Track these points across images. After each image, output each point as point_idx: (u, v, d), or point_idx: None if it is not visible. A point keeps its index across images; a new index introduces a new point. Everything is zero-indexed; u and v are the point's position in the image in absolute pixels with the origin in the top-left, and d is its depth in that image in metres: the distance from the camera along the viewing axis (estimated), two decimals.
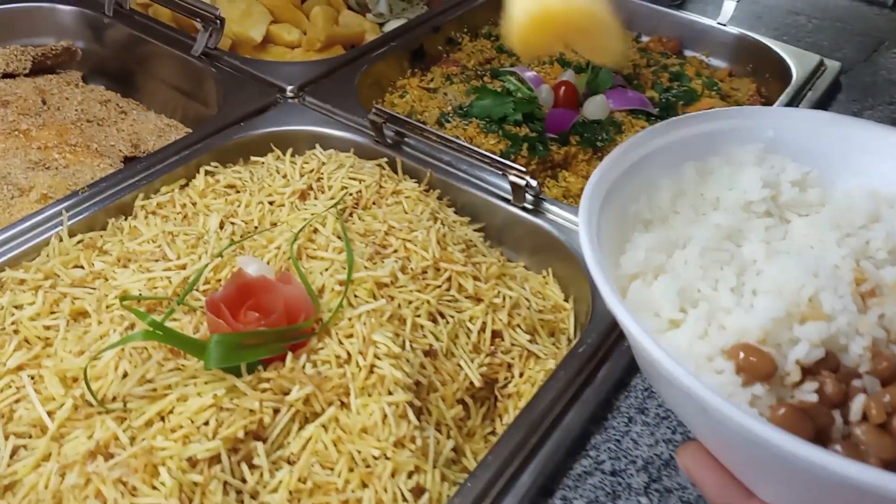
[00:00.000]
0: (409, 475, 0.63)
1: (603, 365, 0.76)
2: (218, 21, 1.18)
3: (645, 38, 1.47)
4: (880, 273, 0.52)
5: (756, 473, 0.46)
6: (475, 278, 0.82)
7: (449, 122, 1.19)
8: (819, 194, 0.58)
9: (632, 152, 0.59)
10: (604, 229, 0.54)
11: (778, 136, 0.62)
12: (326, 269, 0.78)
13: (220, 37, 1.20)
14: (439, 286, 0.80)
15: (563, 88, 1.19)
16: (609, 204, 0.55)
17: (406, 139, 1.03)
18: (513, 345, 0.79)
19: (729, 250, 0.54)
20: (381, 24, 1.47)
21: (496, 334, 0.80)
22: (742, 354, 0.46)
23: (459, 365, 0.76)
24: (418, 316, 0.77)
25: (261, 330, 0.67)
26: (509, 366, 0.78)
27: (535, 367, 0.78)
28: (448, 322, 0.78)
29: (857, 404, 0.45)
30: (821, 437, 0.45)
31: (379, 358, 0.70)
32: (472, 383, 0.75)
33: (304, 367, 0.68)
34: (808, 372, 0.47)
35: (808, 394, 0.46)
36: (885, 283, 0.52)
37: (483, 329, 0.79)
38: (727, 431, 0.42)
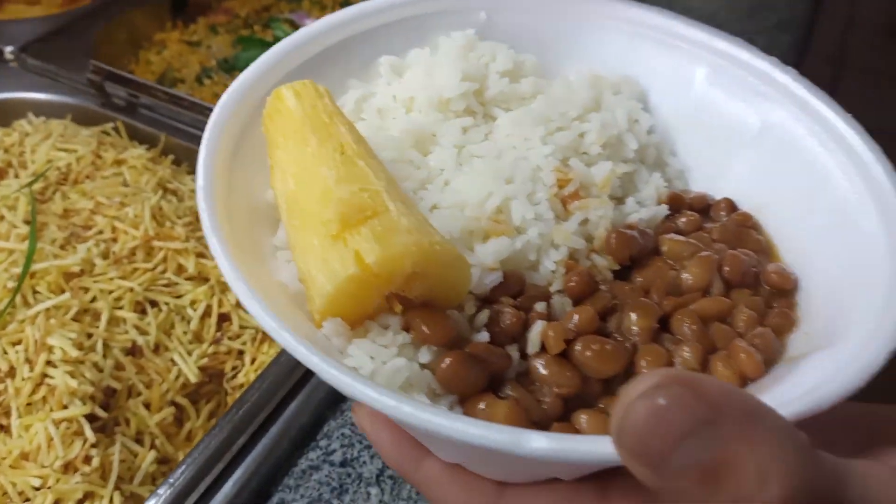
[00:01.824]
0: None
1: None
2: None
3: None
4: (591, 171, 0.45)
5: (415, 435, 0.38)
6: (200, 255, 0.71)
7: (211, 77, 1.06)
8: (533, 84, 0.49)
9: (297, 51, 0.47)
10: (248, 163, 0.43)
11: (493, 18, 0.51)
12: (0, 263, 0.65)
13: None
14: (151, 269, 0.69)
15: None
16: (253, 127, 0.43)
17: (141, 100, 0.90)
18: (242, 327, 0.69)
19: (414, 161, 0.45)
20: None
21: (224, 317, 0.69)
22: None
23: (173, 360, 0.65)
24: (120, 308, 0.65)
25: None
26: (240, 353, 0.69)
27: (269, 351, 0.68)
28: (161, 311, 0.67)
29: (534, 334, 0.38)
30: (496, 381, 0.37)
31: (54, 365, 0.58)
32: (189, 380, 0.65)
33: None
34: (487, 301, 0.40)
35: (480, 333, 0.38)
36: (592, 182, 0.44)
37: (208, 314, 0.69)
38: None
